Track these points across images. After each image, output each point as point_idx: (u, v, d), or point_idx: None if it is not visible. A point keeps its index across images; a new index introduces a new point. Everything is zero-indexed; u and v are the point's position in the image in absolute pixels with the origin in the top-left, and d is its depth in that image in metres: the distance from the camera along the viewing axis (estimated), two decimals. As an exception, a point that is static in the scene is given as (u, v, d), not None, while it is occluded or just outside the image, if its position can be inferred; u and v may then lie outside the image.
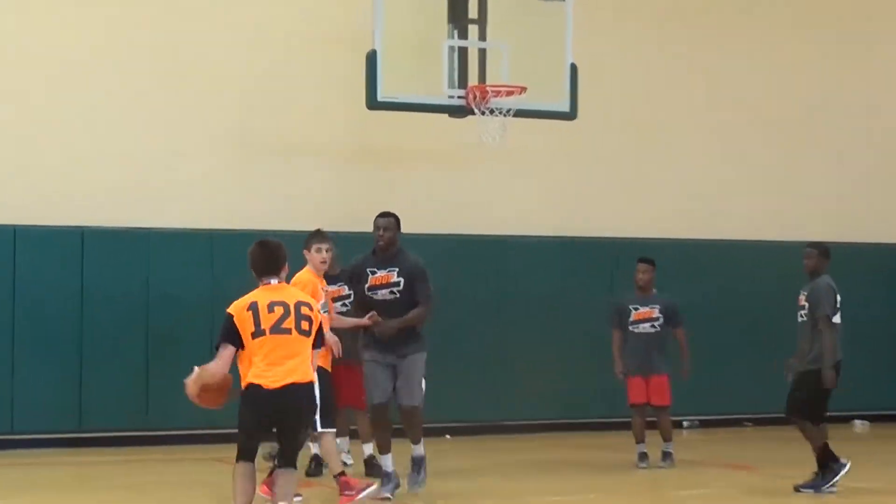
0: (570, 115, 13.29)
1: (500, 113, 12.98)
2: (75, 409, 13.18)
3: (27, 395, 12.84)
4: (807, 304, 10.24)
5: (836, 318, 10.21)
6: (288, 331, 7.28)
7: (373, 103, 12.78)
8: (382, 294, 9.81)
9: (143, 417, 13.35)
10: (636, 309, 11.73)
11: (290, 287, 7.97)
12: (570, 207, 15.51)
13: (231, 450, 7.50)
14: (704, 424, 15.67)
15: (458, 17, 13.29)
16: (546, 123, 13.78)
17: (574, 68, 13.14)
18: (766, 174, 16.37)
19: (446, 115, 13.33)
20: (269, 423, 7.48)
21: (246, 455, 7.40)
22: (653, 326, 11.66)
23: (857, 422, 16.04)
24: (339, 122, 14.55)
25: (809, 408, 10.16)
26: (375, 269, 9.84)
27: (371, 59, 12.58)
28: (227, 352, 7.25)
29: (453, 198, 15.06)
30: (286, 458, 7.49)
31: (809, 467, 10.28)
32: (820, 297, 10.10)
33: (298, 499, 8.81)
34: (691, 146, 16.22)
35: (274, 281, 7.50)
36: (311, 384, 7.52)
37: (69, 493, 10.42)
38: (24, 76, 13.79)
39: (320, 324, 7.64)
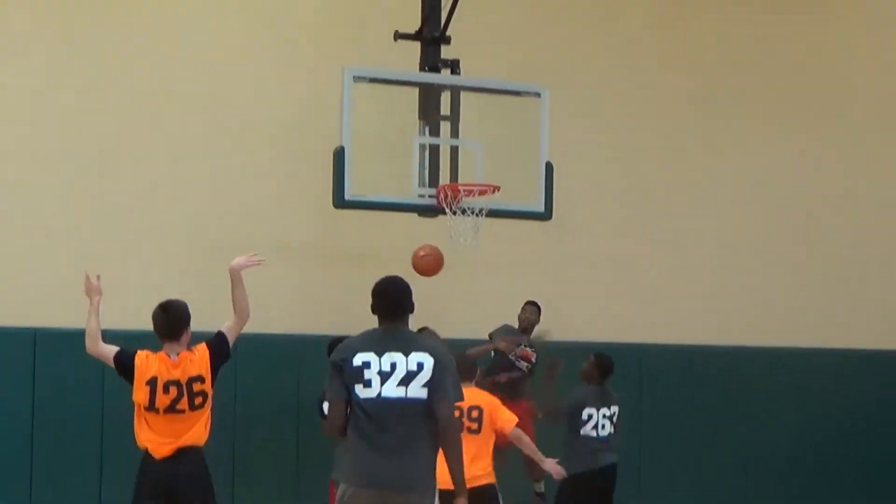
0: (545, 215, 12.80)
1: (473, 213, 12.43)
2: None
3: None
4: None
5: None
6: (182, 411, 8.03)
7: (340, 202, 12.29)
8: None
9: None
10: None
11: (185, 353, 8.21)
12: (550, 309, 14.84)
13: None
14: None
15: (429, 114, 12.88)
16: (521, 223, 13.28)
17: (549, 166, 12.69)
18: (749, 280, 16.00)
19: (416, 214, 12.74)
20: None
21: None
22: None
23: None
24: (304, 222, 14.10)
25: None
26: None
27: (338, 155, 12.08)
28: None
29: (423, 300, 14.67)
30: None
31: None
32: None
33: None
34: (679, 250, 15.97)
35: (172, 345, 8.05)
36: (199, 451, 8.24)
37: None
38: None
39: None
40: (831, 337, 16.15)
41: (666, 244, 15.92)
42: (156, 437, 8.04)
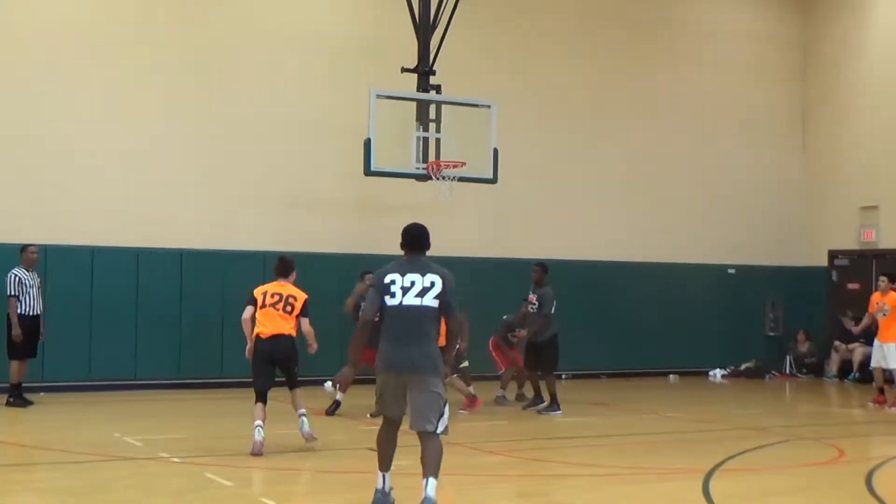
0: (493, 181, 17.07)
1: (449, 179, 16.51)
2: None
3: None
4: (536, 303, 14.90)
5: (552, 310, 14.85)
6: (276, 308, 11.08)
7: (367, 172, 16.29)
8: None
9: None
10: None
11: (289, 285, 11.40)
12: (491, 237, 19.76)
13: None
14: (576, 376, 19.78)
15: (422, 118, 16.90)
16: (479, 186, 17.54)
17: (496, 151, 16.90)
18: (626, 211, 21.26)
19: (414, 180, 17.05)
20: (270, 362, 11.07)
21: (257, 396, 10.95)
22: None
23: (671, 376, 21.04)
24: (347, 184, 18.34)
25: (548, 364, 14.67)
26: None
27: (367, 143, 16.08)
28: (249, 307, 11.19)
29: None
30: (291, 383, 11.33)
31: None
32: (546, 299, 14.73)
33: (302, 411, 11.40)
34: (578, 197, 20.81)
35: (282, 280, 11.34)
36: (290, 337, 11.08)
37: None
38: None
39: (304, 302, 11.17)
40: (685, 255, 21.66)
41: (573, 196, 20.73)
42: (262, 326, 11.12)
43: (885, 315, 16.66)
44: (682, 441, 12.85)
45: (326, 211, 18.79)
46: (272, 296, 11.36)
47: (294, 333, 11.33)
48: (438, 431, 7.79)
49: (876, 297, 17.08)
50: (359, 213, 19.01)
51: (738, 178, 22.69)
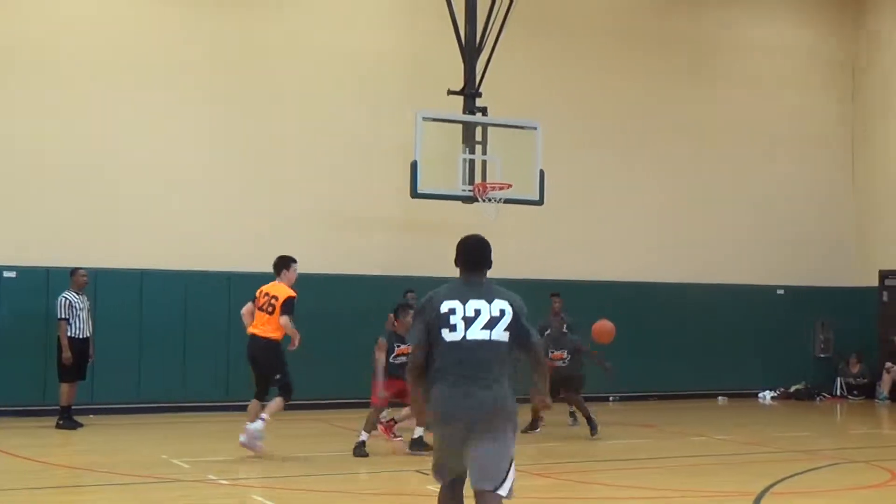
0: (539, 202, 16.94)
1: (495, 201, 16.44)
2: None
3: None
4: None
5: None
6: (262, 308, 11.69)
7: (414, 194, 16.21)
8: None
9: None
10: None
11: (279, 284, 11.87)
12: (535, 259, 19.63)
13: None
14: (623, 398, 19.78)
15: (468, 140, 16.85)
16: (524, 207, 17.39)
17: (542, 172, 16.78)
18: (673, 231, 21.23)
19: (460, 202, 16.97)
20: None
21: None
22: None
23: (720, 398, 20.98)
24: (393, 205, 18.44)
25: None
26: None
27: (413, 166, 16.01)
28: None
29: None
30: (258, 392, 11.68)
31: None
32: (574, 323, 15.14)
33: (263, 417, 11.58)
34: (623, 218, 20.77)
35: (277, 280, 11.89)
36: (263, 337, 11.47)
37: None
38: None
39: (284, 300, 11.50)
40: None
41: (618, 217, 20.67)
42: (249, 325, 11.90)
43: None
44: (732, 463, 12.74)
45: (373, 232, 18.86)
46: (263, 296, 11.98)
47: (271, 334, 11.67)
48: (503, 494, 6.27)
49: None
50: (405, 235, 19.05)
51: (786, 197, 22.49)
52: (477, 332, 6.28)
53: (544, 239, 20.01)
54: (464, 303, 6.36)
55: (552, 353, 15.06)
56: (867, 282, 22.85)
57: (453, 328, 6.27)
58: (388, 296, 18.10)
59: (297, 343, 11.81)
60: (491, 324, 6.31)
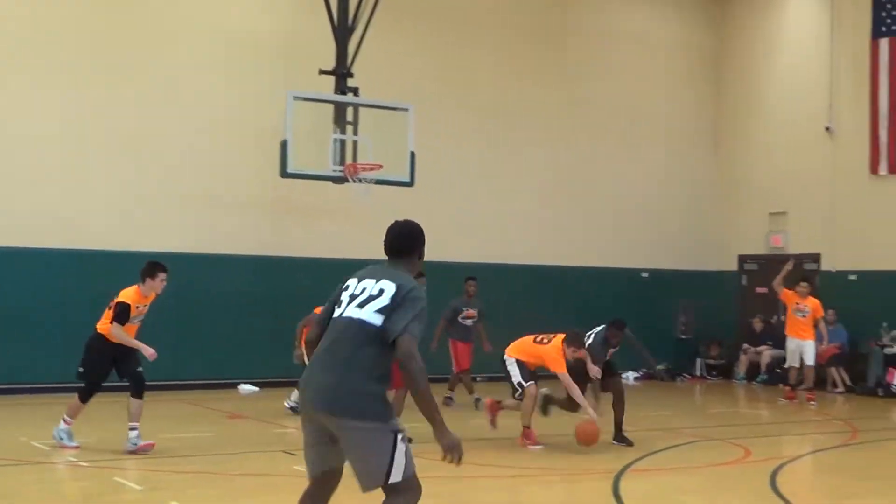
0: (410, 184, 17.11)
1: (365, 182, 16.55)
2: None
3: None
4: None
5: None
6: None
7: (284, 174, 16.24)
8: None
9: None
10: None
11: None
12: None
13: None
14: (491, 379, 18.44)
15: (340, 120, 16.95)
16: (396, 189, 17.25)
17: (413, 155, 16.94)
18: (542, 215, 21.42)
19: (331, 183, 16.98)
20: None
21: None
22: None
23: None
24: (264, 185, 18.21)
25: None
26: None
27: (283, 145, 16.03)
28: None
29: (339, 233, 18.75)
30: None
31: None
32: None
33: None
34: (496, 201, 20.89)
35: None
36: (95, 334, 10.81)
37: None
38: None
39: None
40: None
41: (491, 200, 20.74)
42: None
43: (804, 316, 17.32)
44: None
45: (242, 212, 18.59)
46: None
47: (101, 330, 11.09)
48: (397, 479, 5.53)
49: (795, 297, 17.61)
50: (274, 215, 18.85)
51: (653, 183, 22.96)
52: (350, 310, 5.73)
53: (418, 220, 19.61)
54: (359, 281, 5.87)
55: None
56: (727, 266, 23.52)
57: (339, 304, 5.84)
58: (258, 276, 18.28)
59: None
60: (365, 302, 5.70)
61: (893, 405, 17.99)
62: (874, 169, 20.97)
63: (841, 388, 19.85)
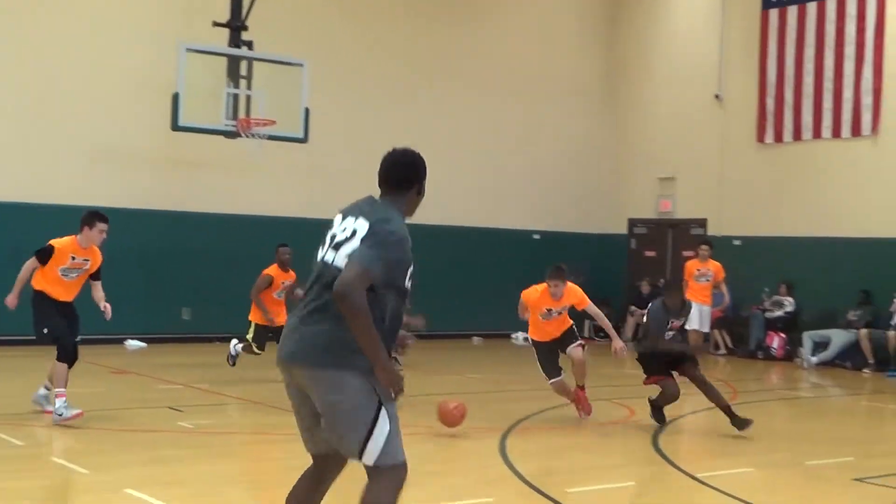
0: (303, 139, 17.15)
1: (258, 137, 16.56)
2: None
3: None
4: None
5: None
6: None
7: (175, 127, 16.21)
8: None
9: None
10: None
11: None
12: (302, 197, 19.34)
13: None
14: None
15: (233, 74, 16.88)
16: (291, 145, 17.51)
17: (307, 111, 16.97)
18: (436, 173, 21.61)
19: (223, 137, 16.94)
20: None
21: None
22: None
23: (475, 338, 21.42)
24: (155, 138, 17.85)
25: None
26: None
27: (175, 98, 16.01)
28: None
29: (230, 188, 18.66)
30: None
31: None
32: None
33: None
34: (378, 160, 20.97)
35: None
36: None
37: None
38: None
39: None
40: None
41: (376, 160, 20.76)
42: None
43: (707, 281, 17.60)
44: (483, 401, 13.09)
45: (132, 165, 18.27)
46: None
47: (35, 285, 10.27)
48: (369, 462, 4.99)
49: (695, 264, 17.93)
50: (165, 169, 18.54)
51: (547, 145, 23.07)
52: (328, 253, 5.14)
53: (310, 178, 19.84)
54: (344, 218, 5.19)
55: None
56: (617, 229, 23.86)
57: (322, 245, 5.23)
58: (147, 230, 18.03)
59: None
60: (340, 244, 5.09)
61: (772, 367, 18.53)
62: (761, 137, 21.46)
63: (723, 351, 20.37)
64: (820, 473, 9.51)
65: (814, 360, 19.09)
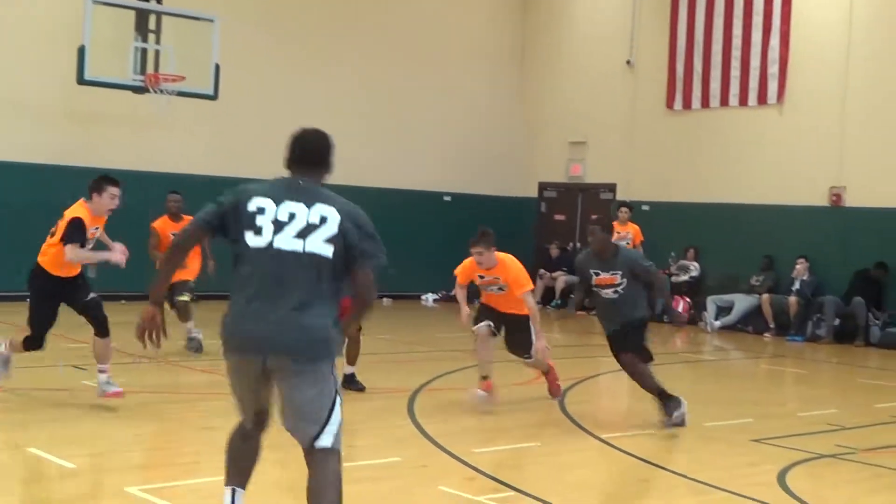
0: (213, 96, 17.12)
1: (167, 93, 16.52)
2: None
3: None
4: None
5: None
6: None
7: (81, 80, 16.07)
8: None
9: None
10: None
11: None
12: (215, 156, 19.38)
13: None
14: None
15: (141, 28, 16.76)
16: (201, 102, 17.44)
17: (217, 67, 16.91)
18: (349, 133, 21.63)
19: (131, 92, 16.82)
20: None
21: None
22: None
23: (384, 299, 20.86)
24: (60, 92, 17.53)
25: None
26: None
27: (81, 51, 15.84)
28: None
29: (137, 144, 18.36)
30: None
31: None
32: None
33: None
34: (304, 119, 20.84)
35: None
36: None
37: None
38: None
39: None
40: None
41: (299, 117, 20.21)
42: None
43: (626, 244, 17.89)
44: (391, 362, 13.21)
45: (37, 119, 17.87)
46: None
47: (43, 263, 9.27)
48: (328, 444, 5.19)
49: (615, 226, 18.11)
50: (70, 124, 18.15)
51: (459, 108, 23.08)
52: (288, 241, 5.12)
53: (220, 135, 19.60)
54: (277, 203, 5.17)
55: None
56: (528, 192, 24.02)
57: (258, 231, 5.14)
58: (51, 186, 17.56)
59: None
60: (305, 232, 5.13)
61: (676, 331, 18.86)
62: (670, 104, 21.76)
63: (629, 314, 20.63)
64: (718, 435, 9.77)
65: (717, 323, 19.53)
